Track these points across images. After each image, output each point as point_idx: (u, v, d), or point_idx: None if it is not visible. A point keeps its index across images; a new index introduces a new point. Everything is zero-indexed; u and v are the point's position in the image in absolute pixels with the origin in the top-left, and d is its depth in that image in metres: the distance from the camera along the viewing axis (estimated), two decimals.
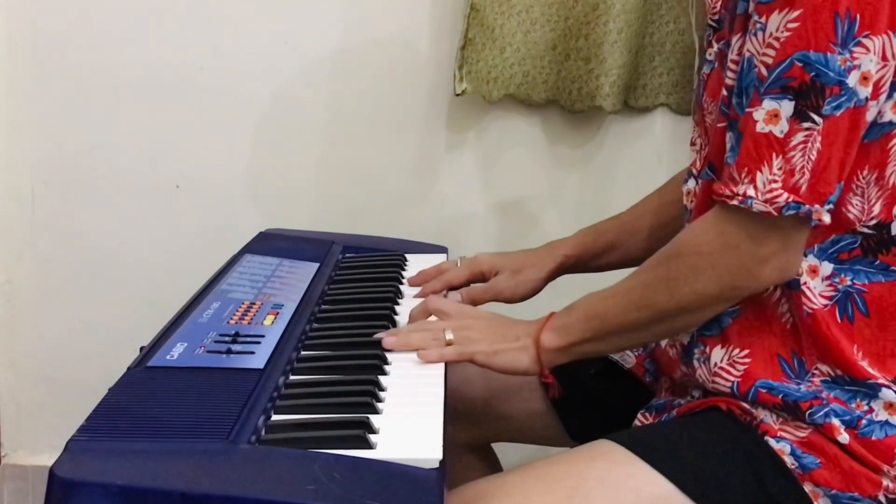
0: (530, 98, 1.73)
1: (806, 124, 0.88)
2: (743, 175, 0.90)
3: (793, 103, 0.88)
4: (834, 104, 0.87)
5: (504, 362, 1.03)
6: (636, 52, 1.70)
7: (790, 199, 0.89)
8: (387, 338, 1.03)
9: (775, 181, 0.89)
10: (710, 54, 1.06)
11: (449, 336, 1.02)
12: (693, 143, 1.17)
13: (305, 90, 1.78)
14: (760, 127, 0.89)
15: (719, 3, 1.04)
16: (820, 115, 0.87)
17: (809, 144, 0.88)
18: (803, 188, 0.89)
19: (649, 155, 1.79)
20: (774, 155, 0.89)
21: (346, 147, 1.81)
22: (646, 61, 1.73)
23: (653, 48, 1.72)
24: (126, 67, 1.76)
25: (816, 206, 0.89)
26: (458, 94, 1.68)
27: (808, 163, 0.88)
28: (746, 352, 1.00)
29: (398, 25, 1.75)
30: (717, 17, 1.05)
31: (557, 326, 1.02)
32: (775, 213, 0.89)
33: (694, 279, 0.95)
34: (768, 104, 0.89)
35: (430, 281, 1.26)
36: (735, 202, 0.90)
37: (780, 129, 0.89)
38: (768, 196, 0.89)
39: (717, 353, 1.01)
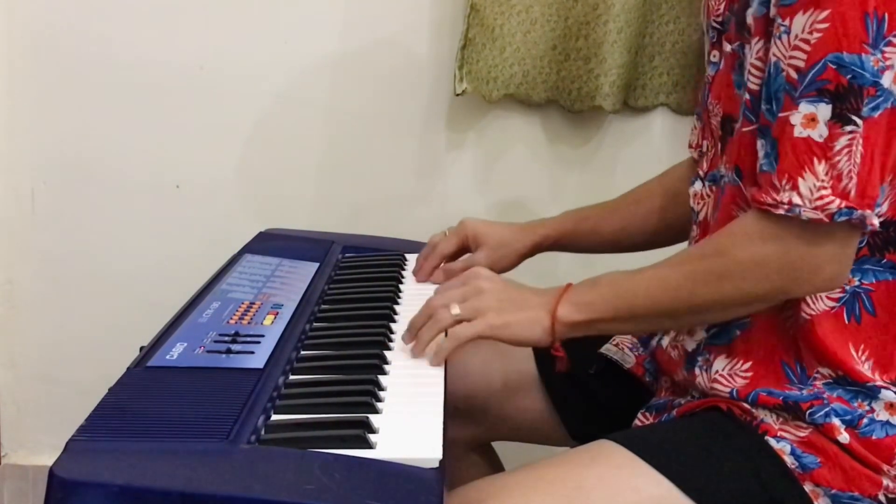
0: (530, 98, 1.73)
1: (849, 128, 0.86)
2: (784, 182, 0.88)
3: (830, 106, 0.86)
4: (871, 105, 0.86)
5: (514, 333, 1.00)
6: (636, 52, 1.70)
7: (843, 205, 0.87)
8: (413, 348, 1.01)
9: (824, 187, 0.87)
10: (714, 56, 1.06)
11: (455, 311, 1.00)
12: (692, 146, 1.17)
13: (305, 90, 1.78)
14: (798, 132, 0.87)
15: (723, 5, 1.03)
16: (860, 117, 0.86)
17: (854, 148, 0.86)
18: (852, 193, 0.87)
19: (649, 155, 1.80)
20: (816, 160, 0.87)
21: (345, 147, 1.81)
22: (646, 61, 1.73)
23: (653, 48, 1.72)
24: (126, 67, 1.76)
25: (867, 210, 0.88)
26: (458, 94, 1.68)
27: (854, 167, 0.87)
28: (749, 364, 1.00)
29: (398, 25, 1.75)
30: (720, 18, 1.04)
31: (579, 301, 1.00)
32: (827, 220, 0.87)
33: (741, 278, 0.93)
34: (805, 108, 0.87)
35: (427, 258, 1.28)
36: (781, 211, 0.88)
37: (818, 133, 0.87)
38: (818, 203, 0.87)
39: (720, 363, 1.01)
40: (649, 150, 1.80)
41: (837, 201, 0.87)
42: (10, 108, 1.78)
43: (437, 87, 1.76)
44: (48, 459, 0.78)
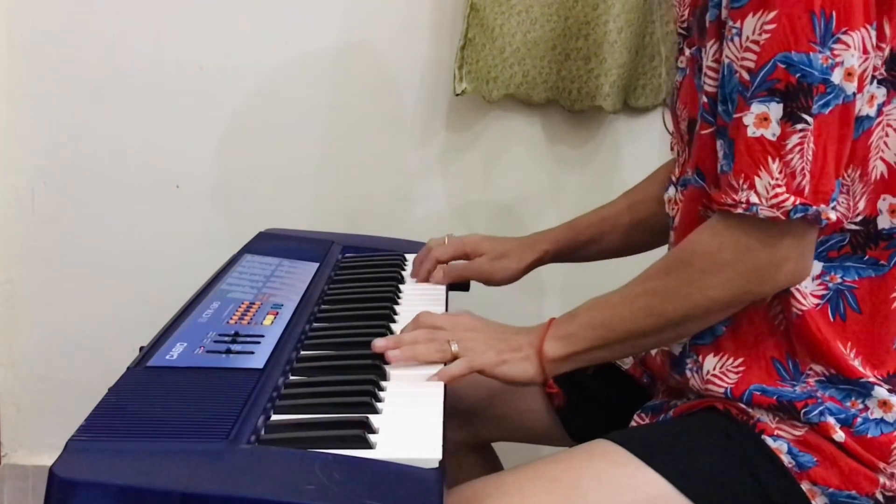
0: (530, 98, 1.73)
1: (799, 126, 0.88)
2: (741, 182, 0.90)
3: (781, 105, 0.88)
4: (821, 102, 0.87)
5: (509, 372, 1.02)
6: (636, 52, 1.70)
7: (797, 202, 0.88)
8: (390, 352, 0.99)
9: (779, 185, 0.88)
10: (681, 62, 1.07)
11: (454, 348, 1.00)
12: (673, 148, 1.18)
13: (305, 90, 1.78)
14: (752, 132, 0.89)
15: (687, 11, 1.04)
16: (811, 114, 0.87)
17: (805, 145, 0.88)
18: (807, 189, 0.89)
19: (649, 155, 1.79)
20: (770, 159, 0.88)
21: (345, 147, 1.81)
22: (645, 61, 1.73)
23: (652, 48, 1.72)
24: (126, 67, 1.76)
25: (822, 205, 0.89)
26: (458, 94, 1.68)
27: (806, 164, 0.88)
28: (741, 360, 1.00)
29: (398, 25, 1.75)
30: (685, 24, 1.05)
31: (560, 335, 1.01)
32: (783, 217, 0.89)
33: (707, 286, 0.94)
34: (756, 108, 0.89)
35: (422, 262, 1.30)
36: (739, 210, 0.90)
37: (771, 132, 0.88)
38: (774, 201, 0.88)
39: (710, 362, 1.01)
40: (649, 150, 1.80)
41: (792, 198, 0.88)
42: (10, 108, 1.78)
43: (437, 87, 1.76)
44: (48, 459, 0.78)
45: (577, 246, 1.30)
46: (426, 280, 1.29)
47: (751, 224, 0.91)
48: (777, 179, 0.88)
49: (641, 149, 1.81)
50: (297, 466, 0.76)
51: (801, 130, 0.88)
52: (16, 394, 1.92)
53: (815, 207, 0.89)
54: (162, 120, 1.79)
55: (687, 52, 1.04)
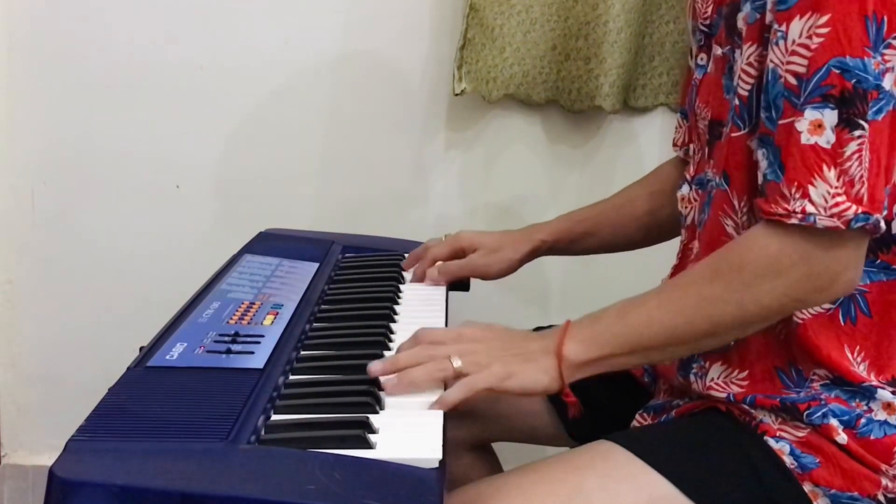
0: (530, 98, 1.73)
1: (857, 133, 0.85)
2: (794, 190, 0.87)
3: (836, 112, 0.85)
4: (875, 109, 0.85)
5: (521, 384, 0.93)
6: (636, 52, 1.70)
7: (858, 211, 0.85)
8: (385, 382, 0.92)
9: (839, 193, 0.85)
10: (701, 59, 1.06)
11: (457, 364, 0.92)
12: (676, 145, 1.17)
13: (305, 90, 1.78)
14: (805, 139, 0.86)
15: (710, 8, 1.03)
16: (866, 120, 0.85)
17: (863, 152, 0.85)
18: (865, 198, 0.86)
19: (649, 155, 1.80)
20: (826, 167, 0.85)
21: (345, 147, 1.81)
22: (645, 61, 1.73)
23: (652, 48, 1.72)
24: (126, 67, 1.76)
25: (878, 214, 0.86)
26: (457, 94, 1.68)
27: (864, 171, 0.85)
28: (745, 373, 1.00)
29: (398, 25, 1.75)
30: (708, 21, 1.04)
31: (584, 338, 0.94)
32: (843, 227, 0.86)
33: (760, 292, 0.90)
34: (810, 114, 0.86)
35: (419, 261, 1.29)
36: (795, 220, 0.86)
37: (825, 139, 0.85)
38: (834, 210, 0.85)
39: (716, 370, 1.01)
40: (649, 150, 1.80)
41: (854, 207, 0.85)
42: (10, 108, 1.78)
43: (437, 87, 1.76)
44: (48, 459, 0.78)
45: (573, 237, 1.29)
46: (421, 280, 1.29)
47: (809, 234, 0.87)
48: (837, 188, 0.85)
49: (641, 148, 1.81)
50: (297, 466, 0.76)
51: (858, 137, 0.85)
52: (16, 394, 1.92)
53: (875, 216, 0.86)
54: (162, 120, 1.79)
55: (718, 50, 1.01)
